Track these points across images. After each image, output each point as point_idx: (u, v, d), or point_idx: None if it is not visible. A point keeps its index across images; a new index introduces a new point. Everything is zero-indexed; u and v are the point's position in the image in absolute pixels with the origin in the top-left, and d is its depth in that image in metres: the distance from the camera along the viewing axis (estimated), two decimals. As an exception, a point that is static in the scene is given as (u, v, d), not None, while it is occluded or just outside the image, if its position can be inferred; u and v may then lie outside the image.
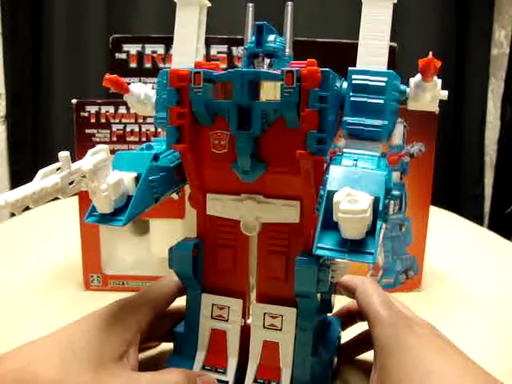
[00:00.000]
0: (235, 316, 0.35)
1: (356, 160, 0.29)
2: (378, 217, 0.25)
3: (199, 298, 0.36)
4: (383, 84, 0.30)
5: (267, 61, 0.32)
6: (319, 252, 0.26)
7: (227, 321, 0.35)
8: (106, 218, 0.30)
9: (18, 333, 0.44)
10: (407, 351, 0.30)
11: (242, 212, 0.33)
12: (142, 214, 0.32)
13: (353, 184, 0.26)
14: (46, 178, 0.27)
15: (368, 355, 0.41)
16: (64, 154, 0.28)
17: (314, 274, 0.31)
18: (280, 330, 0.34)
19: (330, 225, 0.26)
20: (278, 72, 0.29)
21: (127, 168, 0.32)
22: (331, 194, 0.26)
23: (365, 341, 0.38)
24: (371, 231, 0.25)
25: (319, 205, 0.27)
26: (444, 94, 0.32)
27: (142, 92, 0.37)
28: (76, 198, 0.53)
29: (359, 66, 0.31)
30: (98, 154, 0.30)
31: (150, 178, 0.32)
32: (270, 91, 0.30)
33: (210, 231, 0.36)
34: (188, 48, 0.36)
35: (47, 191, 0.27)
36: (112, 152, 0.32)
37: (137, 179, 0.32)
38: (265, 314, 0.34)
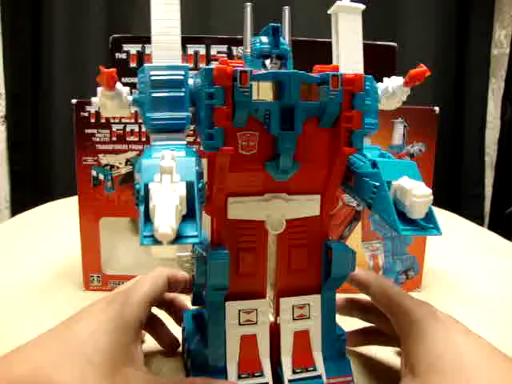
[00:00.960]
0: (264, 316, 0.35)
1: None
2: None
3: (221, 310, 0.34)
4: (367, 88, 0.33)
5: (278, 62, 0.33)
6: (405, 233, 0.29)
7: (256, 323, 0.35)
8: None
9: (18, 333, 0.44)
10: (435, 335, 0.31)
11: (269, 211, 0.33)
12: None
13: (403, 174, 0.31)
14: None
15: (369, 352, 0.42)
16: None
17: (350, 257, 0.35)
18: (308, 317, 0.35)
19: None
20: (317, 75, 0.31)
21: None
22: (390, 183, 0.30)
23: (370, 333, 0.40)
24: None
25: (373, 194, 0.31)
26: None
27: (125, 91, 0.36)
28: (76, 198, 0.53)
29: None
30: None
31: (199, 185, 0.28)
32: (304, 93, 0.31)
33: (230, 236, 0.34)
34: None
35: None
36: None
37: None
38: (293, 306, 0.35)
